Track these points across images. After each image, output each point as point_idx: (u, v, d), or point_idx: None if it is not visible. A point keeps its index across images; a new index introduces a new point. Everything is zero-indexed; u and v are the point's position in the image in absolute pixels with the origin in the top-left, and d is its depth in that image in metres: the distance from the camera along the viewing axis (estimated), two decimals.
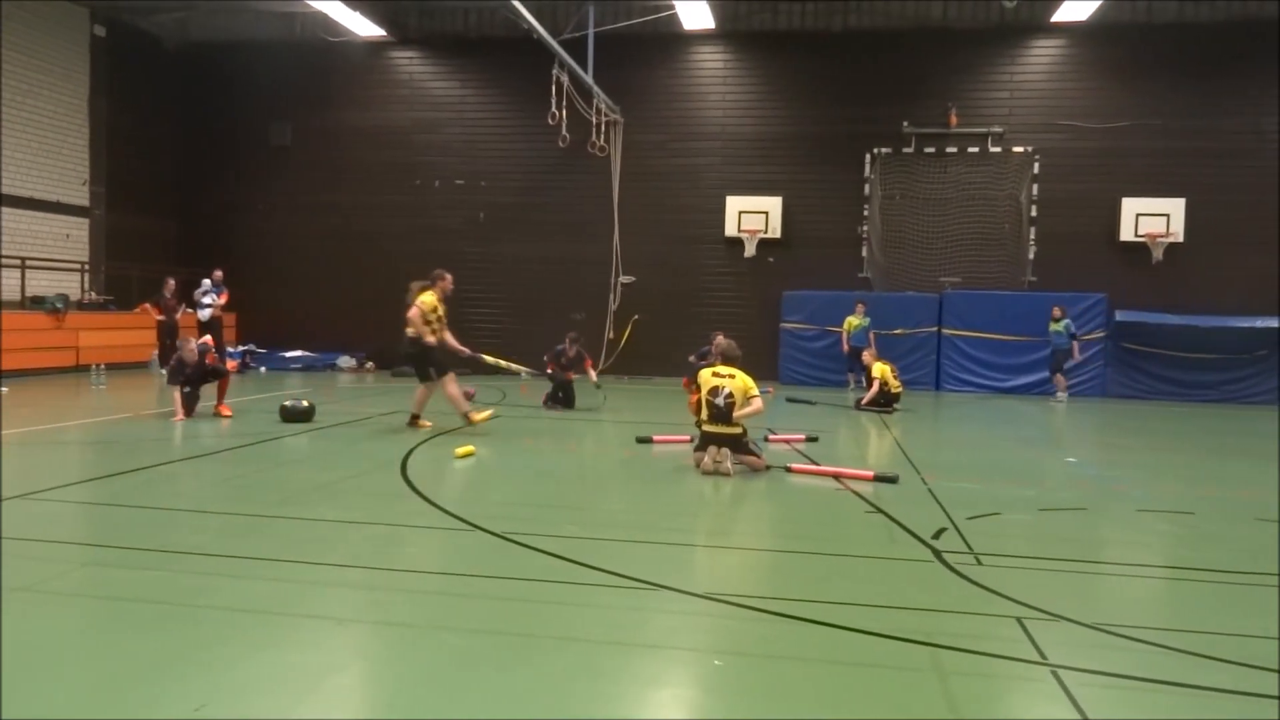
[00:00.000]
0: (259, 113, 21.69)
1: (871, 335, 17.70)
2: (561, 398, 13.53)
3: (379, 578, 5.02)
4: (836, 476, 8.21)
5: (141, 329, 18.55)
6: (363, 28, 20.08)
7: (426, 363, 10.92)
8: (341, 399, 14.64)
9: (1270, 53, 18.14)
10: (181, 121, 22.10)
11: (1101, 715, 3.44)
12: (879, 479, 8.05)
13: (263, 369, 20.02)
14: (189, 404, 11.38)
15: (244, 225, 21.77)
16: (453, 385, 10.91)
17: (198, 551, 5.42)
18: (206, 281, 18.64)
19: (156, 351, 18.04)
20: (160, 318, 17.69)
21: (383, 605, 4.57)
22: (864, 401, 14.45)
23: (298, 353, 20.66)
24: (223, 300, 18.63)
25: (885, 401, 14.22)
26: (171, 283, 18.03)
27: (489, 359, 11.99)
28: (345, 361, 20.59)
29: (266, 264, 21.44)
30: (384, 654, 4.00)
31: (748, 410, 8.54)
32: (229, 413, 11.52)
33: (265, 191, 21.75)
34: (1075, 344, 17.30)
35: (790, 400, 15.62)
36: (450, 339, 11.12)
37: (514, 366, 12.61)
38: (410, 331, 10.73)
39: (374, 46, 21.20)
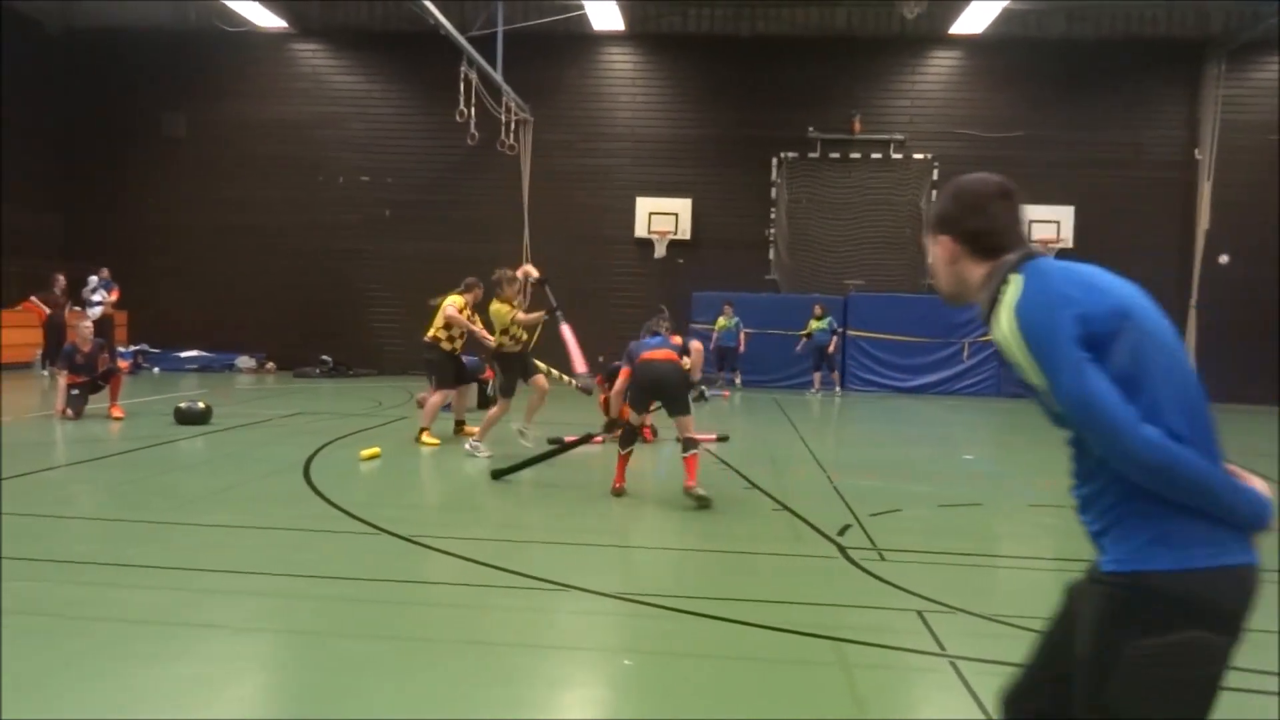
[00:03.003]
0: (151, 103, 20.80)
1: (742, 334, 18.12)
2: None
3: (278, 584, 4.88)
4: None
5: (25, 327, 17.63)
6: (262, 18, 19.49)
7: (450, 368, 10.43)
8: (240, 401, 14.18)
9: (1146, 70, 19.17)
10: (67, 109, 21.04)
11: (997, 703, 3.55)
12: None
13: (156, 369, 19.26)
14: (77, 405, 10.90)
15: (136, 220, 20.86)
16: (439, 397, 10.30)
17: (87, 560, 5.18)
18: (94, 278, 17.84)
19: (41, 350, 17.18)
20: (48, 314, 16.85)
21: (282, 612, 4.45)
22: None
23: (194, 353, 19.93)
24: (113, 297, 17.86)
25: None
26: (60, 278, 17.20)
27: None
28: (244, 362, 19.93)
29: (160, 260, 20.59)
30: (283, 662, 3.89)
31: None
32: (121, 414, 11.05)
33: (158, 185, 20.89)
34: (835, 339, 18.00)
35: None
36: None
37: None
38: (435, 335, 10.38)
39: (274, 37, 20.57)
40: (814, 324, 17.98)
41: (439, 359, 10.34)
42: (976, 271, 2.03)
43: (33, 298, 17.32)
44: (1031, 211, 14.53)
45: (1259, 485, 1.84)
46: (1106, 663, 1.82)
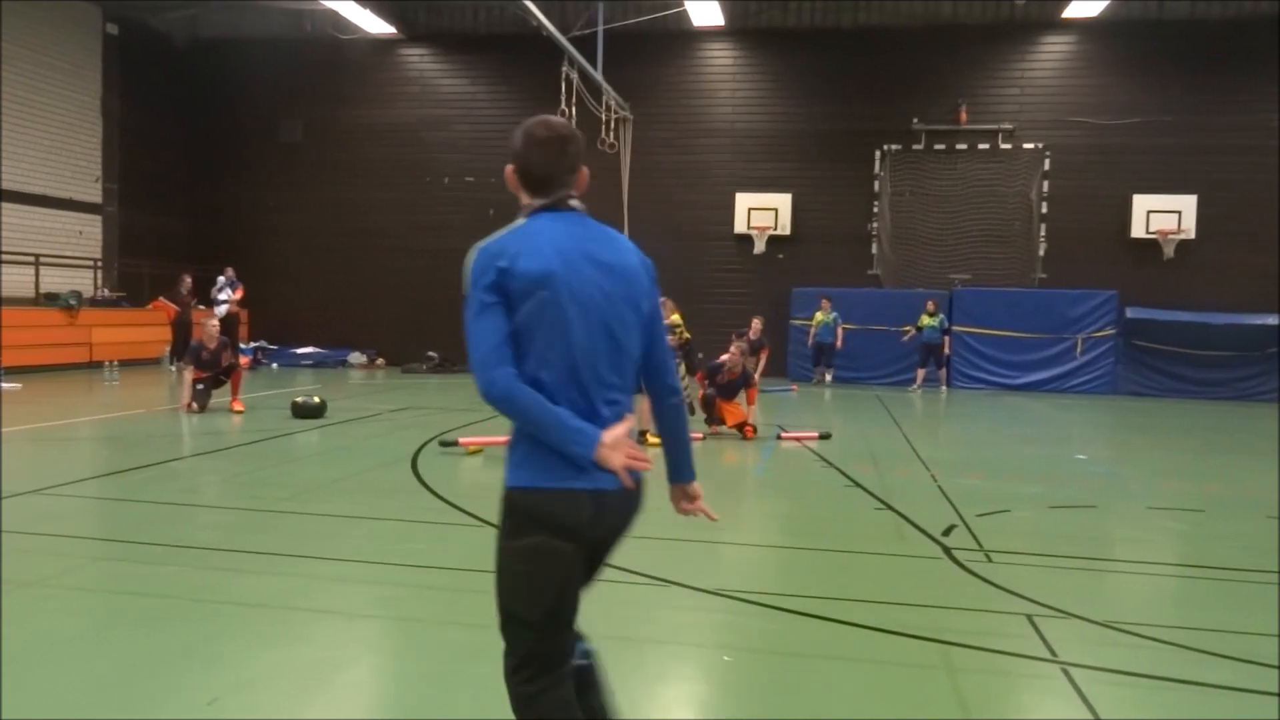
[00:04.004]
0: (269, 110, 21.74)
1: (840, 330, 17.83)
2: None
3: (387, 572, 5.03)
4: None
5: (154, 325, 18.63)
6: (372, 24, 20.09)
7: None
8: (352, 395, 14.67)
9: (1277, 49, 18.09)
10: (192, 119, 22.16)
11: (1112, 712, 3.42)
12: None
13: (274, 365, 20.09)
14: (201, 400, 11.45)
15: (255, 222, 21.83)
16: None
17: (208, 546, 5.44)
18: (221, 278, 18.71)
19: (169, 347, 18.12)
20: (176, 312, 17.75)
21: (391, 600, 4.58)
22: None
23: (309, 349, 20.73)
24: (238, 296, 18.70)
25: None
26: (188, 279, 18.10)
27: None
28: (356, 358, 20.63)
29: (277, 260, 21.49)
30: (395, 649, 4.01)
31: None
32: (241, 408, 11.57)
33: (276, 188, 21.80)
34: (947, 338, 17.57)
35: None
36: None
37: None
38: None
39: (383, 43, 21.21)
40: (926, 319, 17.60)
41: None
42: (523, 202, 2.38)
43: (161, 298, 18.27)
44: (1150, 201, 14.02)
45: (612, 432, 2.21)
46: (495, 560, 2.31)
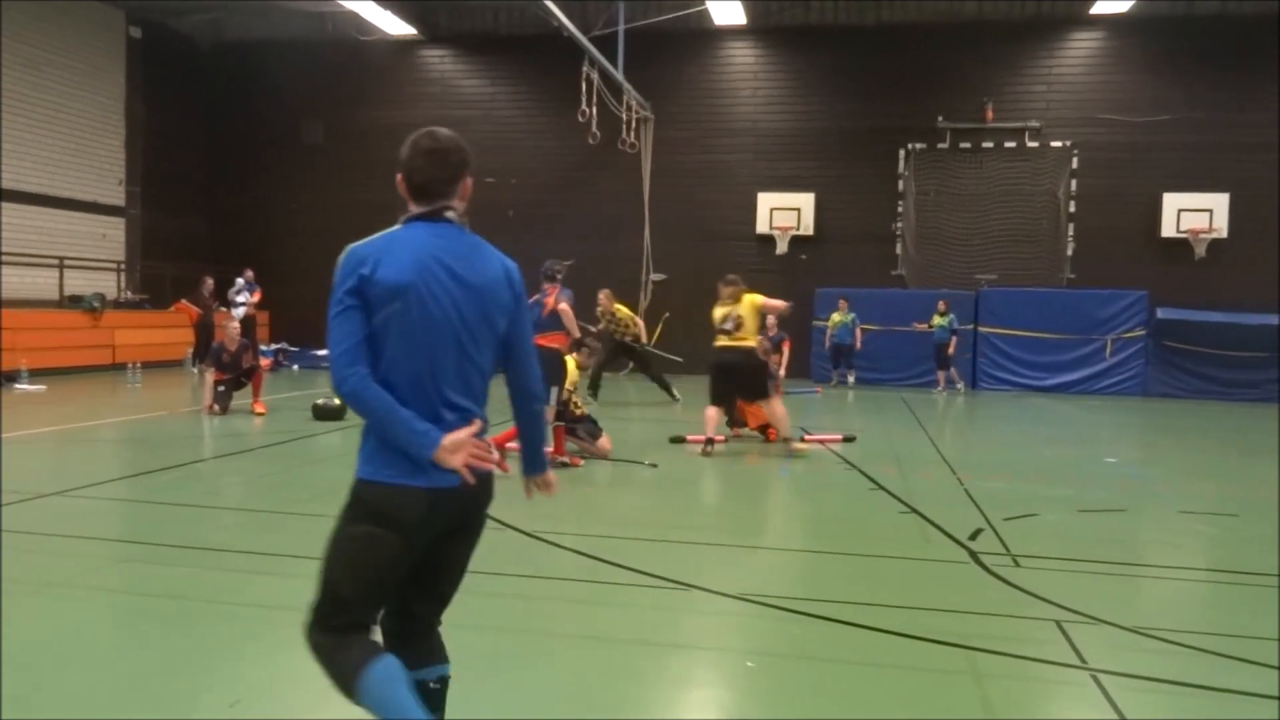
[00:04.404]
0: (291, 111, 21.91)
1: (858, 330, 17.79)
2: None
3: None
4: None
5: (176, 327, 18.80)
6: (393, 26, 20.21)
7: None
8: None
9: None
10: (214, 120, 22.37)
11: (1142, 719, 3.37)
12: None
13: (295, 367, 20.23)
14: (223, 401, 11.55)
15: (276, 224, 21.99)
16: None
17: (229, 549, 5.47)
18: (240, 280, 18.86)
19: (192, 349, 18.28)
20: (198, 315, 17.92)
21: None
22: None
23: (329, 351, 20.81)
24: (256, 298, 18.83)
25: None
26: (209, 281, 18.26)
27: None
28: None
29: (298, 262, 21.60)
30: None
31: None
32: (263, 410, 11.65)
33: (297, 190, 21.96)
34: (954, 339, 17.43)
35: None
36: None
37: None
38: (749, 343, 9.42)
39: (404, 45, 21.33)
40: (937, 319, 17.50)
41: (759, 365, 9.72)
42: (410, 208, 2.52)
43: (183, 300, 18.43)
44: (1180, 200, 13.86)
45: (454, 435, 2.37)
46: (330, 536, 2.51)
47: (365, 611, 2.54)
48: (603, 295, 13.82)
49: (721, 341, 9.40)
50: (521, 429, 2.81)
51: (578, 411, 8.86)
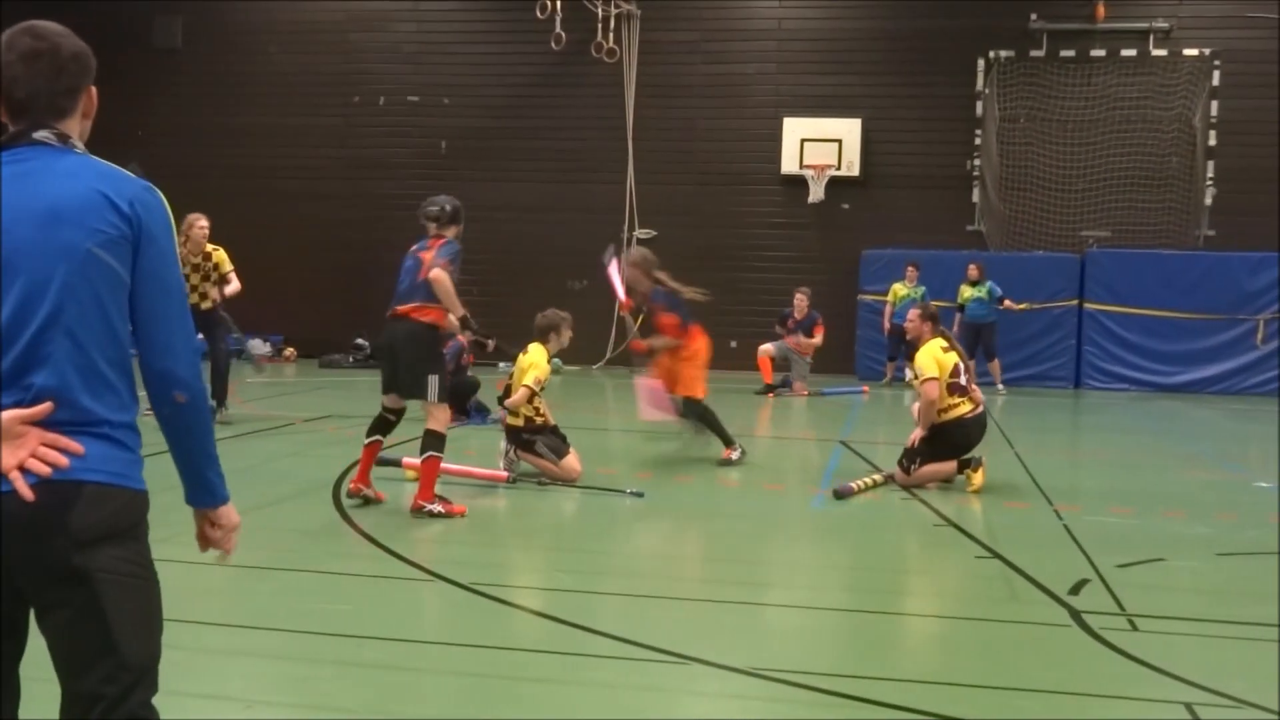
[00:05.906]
0: (138, 5, 21.72)
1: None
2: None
3: (299, 644, 5.04)
4: None
5: None
6: None
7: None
8: (253, 398, 14.72)
9: None
10: (31, 13, 22.15)
11: None
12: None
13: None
14: None
15: (117, 153, 21.77)
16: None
17: None
18: None
19: None
20: None
21: (304, 682, 4.58)
22: (913, 442, 9.22)
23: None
24: None
25: (954, 442, 9.16)
26: None
27: None
28: (257, 347, 20.52)
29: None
30: None
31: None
32: None
33: (148, 111, 21.71)
34: (1011, 304, 17.28)
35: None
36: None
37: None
38: None
39: None
40: (967, 291, 17.36)
41: None
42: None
43: None
44: None
45: None
46: None
47: None
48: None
49: None
50: (165, 434, 2.63)
51: (539, 420, 8.87)
